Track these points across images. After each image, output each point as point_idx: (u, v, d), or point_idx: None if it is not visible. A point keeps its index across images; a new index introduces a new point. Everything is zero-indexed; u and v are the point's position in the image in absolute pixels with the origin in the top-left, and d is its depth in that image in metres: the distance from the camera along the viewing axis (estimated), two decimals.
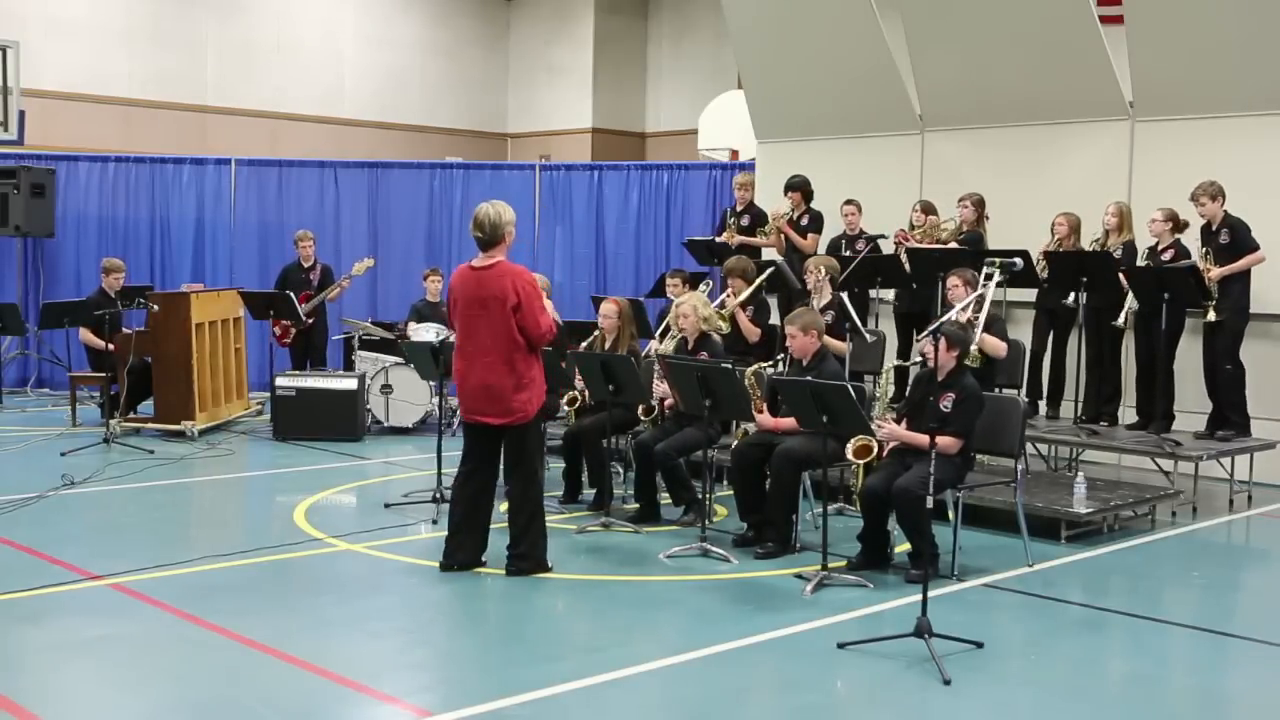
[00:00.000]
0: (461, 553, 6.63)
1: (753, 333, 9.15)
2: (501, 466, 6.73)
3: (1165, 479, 8.67)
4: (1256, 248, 8.71)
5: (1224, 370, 8.83)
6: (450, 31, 19.19)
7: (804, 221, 11.13)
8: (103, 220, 13.93)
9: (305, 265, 11.90)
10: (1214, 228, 8.78)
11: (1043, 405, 9.75)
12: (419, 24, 18.87)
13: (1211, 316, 8.70)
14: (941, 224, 10.26)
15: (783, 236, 11.20)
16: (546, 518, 6.70)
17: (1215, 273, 8.67)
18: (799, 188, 11.21)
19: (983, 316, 7.97)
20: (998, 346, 8.17)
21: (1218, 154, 9.43)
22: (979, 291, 7.85)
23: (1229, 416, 8.88)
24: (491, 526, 6.75)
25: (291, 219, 13.99)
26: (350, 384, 10.77)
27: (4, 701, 4.66)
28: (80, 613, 5.81)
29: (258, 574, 6.59)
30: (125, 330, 11.19)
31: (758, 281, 9.24)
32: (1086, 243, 9.47)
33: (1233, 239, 8.70)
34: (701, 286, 9.21)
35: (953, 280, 8.20)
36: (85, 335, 11.55)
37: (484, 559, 6.68)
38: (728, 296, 9.19)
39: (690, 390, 6.99)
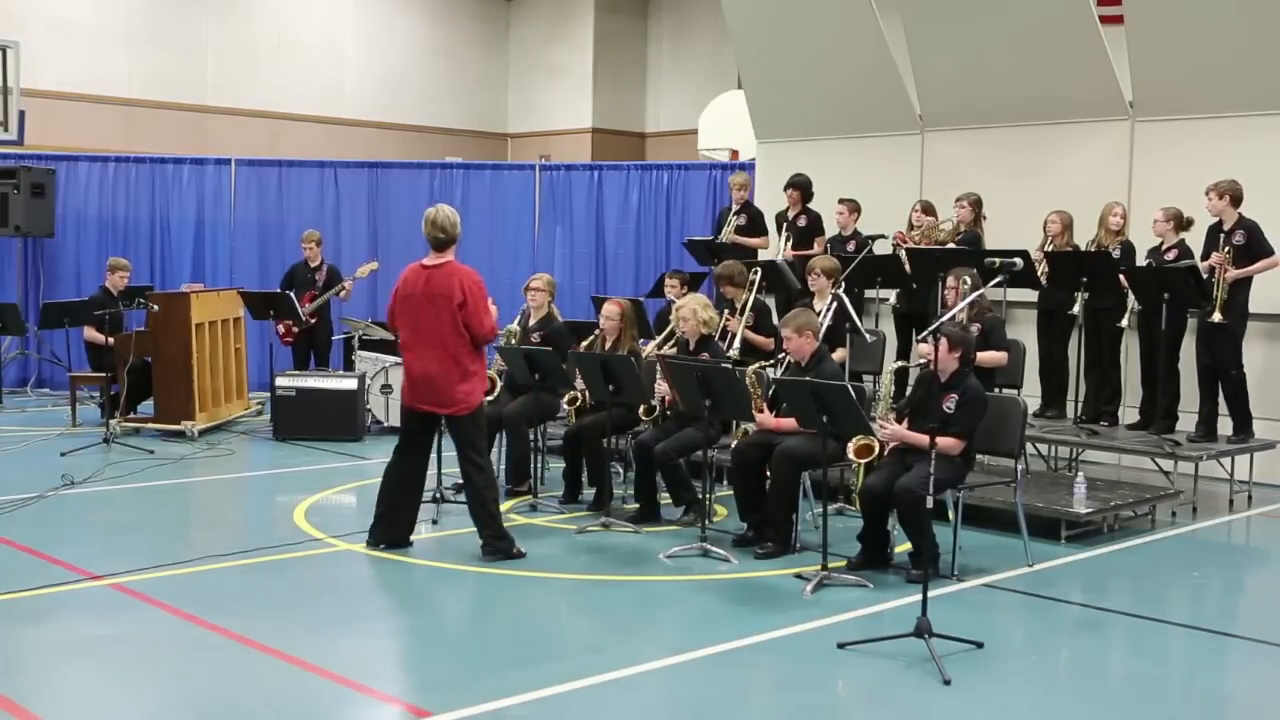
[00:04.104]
0: (391, 531, 6.97)
1: (766, 345, 8.87)
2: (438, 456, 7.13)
3: (1165, 479, 8.67)
4: (1272, 252, 8.63)
5: (1231, 375, 8.80)
6: (450, 31, 19.19)
7: (800, 222, 11.08)
8: (103, 220, 13.91)
9: (312, 265, 11.90)
10: (1225, 227, 8.68)
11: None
12: (419, 24, 18.87)
13: (1218, 317, 8.56)
14: (939, 224, 10.26)
15: (785, 240, 11.09)
16: (546, 519, 6.73)
17: (1231, 274, 8.55)
18: (797, 185, 11.14)
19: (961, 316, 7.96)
20: (997, 359, 8.19)
21: (1218, 154, 9.40)
22: (978, 292, 7.82)
23: (1236, 421, 8.84)
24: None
25: (291, 219, 13.99)
26: (350, 384, 10.77)
27: (4, 701, 4.66)
28: (80, 613, 5.81)
29: (258, 574, 6.59)
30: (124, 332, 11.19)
31: (754, 284, 9.11)
32: (1081, 242, 9.46)
33: (1249, 241, 8.59)
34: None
35: (949, 282, 8.23)
36: (89, 333, 11.53)
37: (411, 540, 7.04)
38: (729, 320, 8.84)
39: (690, 390, 6.99)
